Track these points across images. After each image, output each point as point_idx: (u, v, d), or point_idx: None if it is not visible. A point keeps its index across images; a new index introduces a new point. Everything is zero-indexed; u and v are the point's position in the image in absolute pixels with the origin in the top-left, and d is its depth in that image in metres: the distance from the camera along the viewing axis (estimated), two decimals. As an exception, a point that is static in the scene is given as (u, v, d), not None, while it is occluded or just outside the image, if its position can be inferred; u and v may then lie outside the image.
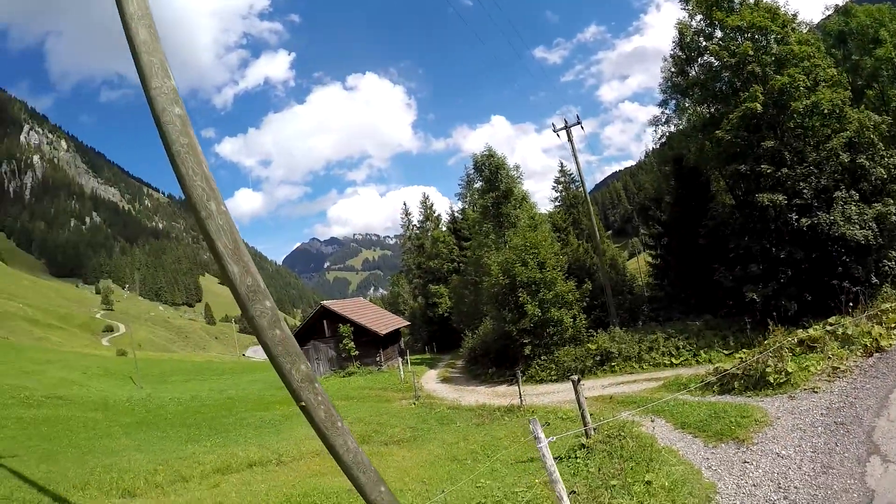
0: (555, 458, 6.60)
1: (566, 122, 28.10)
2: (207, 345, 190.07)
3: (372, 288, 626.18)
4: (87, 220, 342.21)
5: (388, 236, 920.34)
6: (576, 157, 28.51)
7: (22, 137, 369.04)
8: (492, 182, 32.66)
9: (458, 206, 59.86)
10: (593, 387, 17.26)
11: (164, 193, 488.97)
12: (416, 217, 64.31)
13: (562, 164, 49.62)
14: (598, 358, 21.30)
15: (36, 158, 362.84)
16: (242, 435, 14.84)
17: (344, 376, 33.53)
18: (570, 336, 23.43)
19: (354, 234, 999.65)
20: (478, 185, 34.74)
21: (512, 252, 25.30)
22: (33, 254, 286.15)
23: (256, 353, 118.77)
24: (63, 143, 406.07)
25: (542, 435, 5.70)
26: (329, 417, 4.20)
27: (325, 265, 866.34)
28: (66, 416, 19.58)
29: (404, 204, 65.33)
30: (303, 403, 4.10)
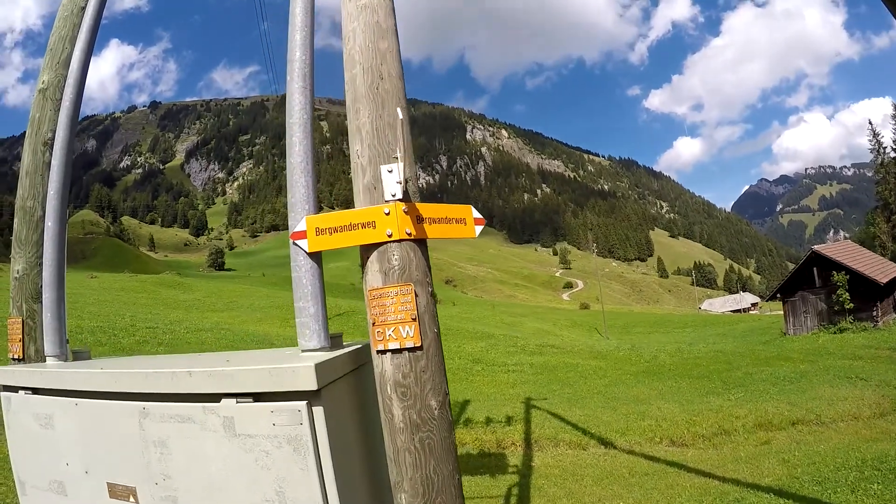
0: None
1: None
2: (660, 298, 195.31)
3: (831, 230, 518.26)
4: (538, 191, 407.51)
5: (845, 166, 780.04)
6: None
7: (468, 136, 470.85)
8: None
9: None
10: None
11: (603, 157, 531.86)
12: (887, 137, 50.29)
13: None
14: None
15: (483, 150, 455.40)
16: (763, 390, 13.89)
17: (834, 332, 29.19)
18: None
19: (806, 169, 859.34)
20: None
21: None
22: (495, 227, 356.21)
23: (712, 306, 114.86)
24: (503, 132, 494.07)
25: None
26: None
27: (778, 207, 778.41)
28: (570, 363, 20.96)
29: (869, 123, 52.03)
30: None
